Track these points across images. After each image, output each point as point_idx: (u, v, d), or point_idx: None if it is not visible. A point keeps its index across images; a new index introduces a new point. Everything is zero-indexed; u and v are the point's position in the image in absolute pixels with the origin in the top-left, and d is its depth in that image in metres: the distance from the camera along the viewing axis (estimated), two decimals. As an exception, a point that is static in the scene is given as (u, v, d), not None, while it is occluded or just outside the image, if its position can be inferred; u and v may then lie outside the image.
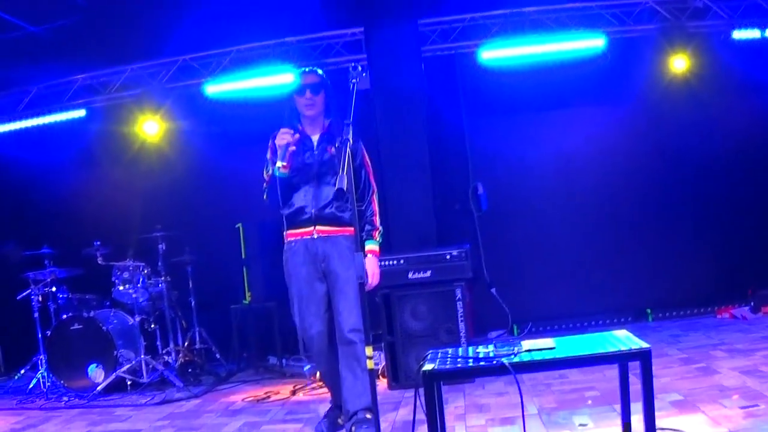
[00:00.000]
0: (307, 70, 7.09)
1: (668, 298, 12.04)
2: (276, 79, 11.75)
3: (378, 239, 7.00)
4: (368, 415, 6.64)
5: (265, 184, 6.98)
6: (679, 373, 7.93)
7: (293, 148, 6.72)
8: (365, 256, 6.65)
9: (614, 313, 12.03)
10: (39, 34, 11.79)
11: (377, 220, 7.02)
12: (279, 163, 6.63)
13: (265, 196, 7.02)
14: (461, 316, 8.79)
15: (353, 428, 6.66)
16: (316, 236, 6.86)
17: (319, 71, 7.06)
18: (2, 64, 12.21)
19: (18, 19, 11.31)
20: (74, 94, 12.82)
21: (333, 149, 6.82)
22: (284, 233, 7.05)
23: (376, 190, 7.10)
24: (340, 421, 7.12)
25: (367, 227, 6.95)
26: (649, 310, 11.99)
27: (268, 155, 6.88)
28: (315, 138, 7.01)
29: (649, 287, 12.12)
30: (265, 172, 6.92)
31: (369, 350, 5.65)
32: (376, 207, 7.05)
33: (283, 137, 6.66)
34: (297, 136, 6.78)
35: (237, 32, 12.00)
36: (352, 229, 6.31)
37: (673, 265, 12.10)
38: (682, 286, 12.06)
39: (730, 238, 12.00)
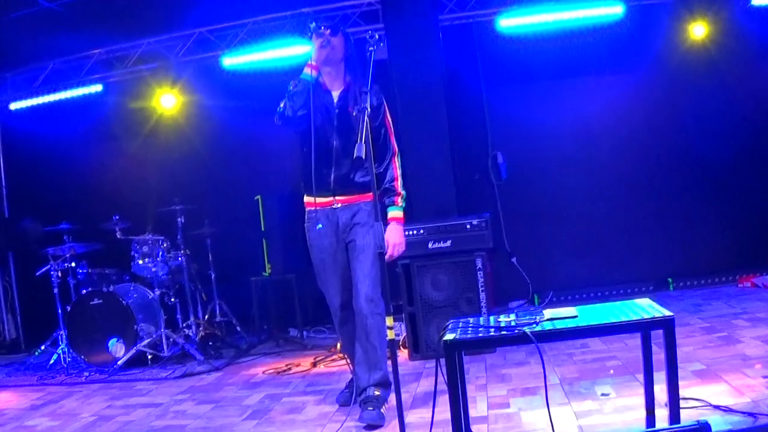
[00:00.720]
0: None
1: (689, 267, 11.95)
2: (293, 50, 11.67)
3: (401, 204, 6.78)
4: (377, 392, 6.58)
5: (282, 104, 6.67)
6: (701, 342, 7.88)
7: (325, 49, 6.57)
8: (387, 224, 6.61)
9: (635, 282, 11.94)
10: (54, 9, 11.73)
11: (398, 184, 6.76)
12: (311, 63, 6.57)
13: (280, 110, 6.67)
14: (482, 286, 8.75)
15: (361, 406, 6.57)
16: (337, 206, 6.74)
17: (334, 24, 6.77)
18: (18, 40, 12.20)
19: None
20: (91, 69, 12.80)
21: (355, 111, 6.45)
22: (304, 200, 6.92)
23: (398, 153, 6.86)
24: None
25: (389, 193, 6.75)
26: (670, 279, 11.90)
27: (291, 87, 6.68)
28: (335, 94, 6.80)
29: (670, 256, 12.04)
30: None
31: (390, 320, 5.59)
32: (397, 171, 6.79)
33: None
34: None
35: (253, 4, 11.93)
36: (372, 194, 6.27)
37: (694, 234, 12.02)
38: (703, 254, 11.97)
39: (752, 207, 11.89)
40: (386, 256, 6.34)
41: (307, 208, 6.87)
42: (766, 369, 6.51)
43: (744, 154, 11.81)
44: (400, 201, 6.76)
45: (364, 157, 5.54)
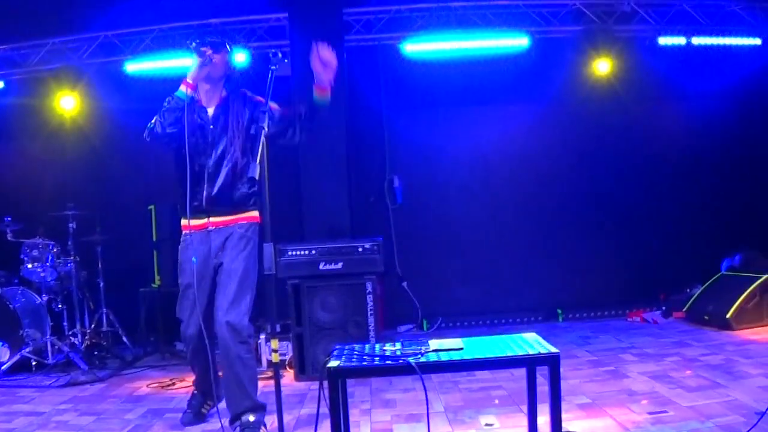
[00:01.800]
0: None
1: (580, 299, 12.19)
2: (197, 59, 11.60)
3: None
4: (251, 417, 6.50)
5: (154, 120, 6.49)
6: (588, 376, 8.05)
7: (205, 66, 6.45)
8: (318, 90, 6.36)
9: (525, 311, 12.13)
10: (-43, 2, 11.59)
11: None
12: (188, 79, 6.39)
13: (150, 126, 6.50)
14: (371, 310, 8.83)
15: None
16: (211, 228, 6.63)
17: (220, 39, 6.66)
18: None
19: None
20: (-8, 65, 12.64)
21: (228, 126, 6.51)
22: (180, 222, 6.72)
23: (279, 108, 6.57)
24: (204, 409, 7.10)
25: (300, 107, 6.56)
26: (560, 311, 12.10)
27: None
28: (210, 111, 6.66)
29: (561, 287, 12.27)
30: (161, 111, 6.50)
31: (275, 343, 5.63)
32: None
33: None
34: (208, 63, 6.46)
35: (161, 12, 11.86)
36: (250, 214, 6.34)
37: (586, 267, 12.26)
38: (594, 287, 12.23)
39: (644, 243, 12.20)
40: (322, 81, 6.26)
41: (183, 230, 6.69)
42: (651, 405, 6.67)
43: (639, 192, 12.13)
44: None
45: (257, 178, 5.51)
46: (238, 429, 6.52)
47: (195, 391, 7.13)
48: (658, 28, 11.75)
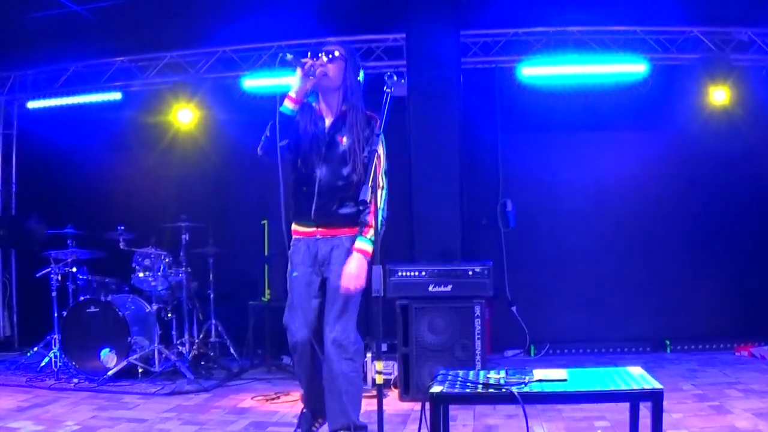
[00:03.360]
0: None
1: (688, 331, 11.93)
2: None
3: (369, 236, 6.26)
4: None
5: (265, 134, 6.39)
6: (692, 410, 7.84)
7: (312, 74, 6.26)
8: (351, 254, 6.28)
9: (633, 341, 11.90)
10: (81, 12, 11.76)
11: (373, 217, 6.16)
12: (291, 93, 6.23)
13: (262, 141, 6.41)
14: (478, 334, 8.73)
15: None
16: (318, 237, 6.52)
17: (340, 47, 6.52)
18: (42, 39, 12.22)
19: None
20: (111, 76, 12.89)
21: (344, 140, 6.39)
22: (291, 226, 6.68)
23: (382, 187, 6.24)
24: (314, 428, 6.93)
25: (361, 224, 6.33)
26: (668, 341, 11.84)
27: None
28: (328, 122, 6.52)
29: (670, 318, 12.00)
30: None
31: (380, 365, 5.55)
32: (377, 204, 6.09)
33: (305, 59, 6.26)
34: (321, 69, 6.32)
35: (279, 28, 11.94)
36: (359, 229, 6.25)
37: (696, 298, 12.00)
38: (703, 319, 11.95)
39: (756, 276, 11.89)
40: (341, 289, 6.18)
41: (293, 236, 6.66)
42: (753, 443, 6.51)
43: (755, 224, 11.86)
44: (369, 233, 6.27)
45: (369, 201, 5.48)
46: None
47: (304, 409, 7.02)
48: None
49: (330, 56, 6.38)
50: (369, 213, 6.15)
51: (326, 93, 6.52)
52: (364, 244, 6.26)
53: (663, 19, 11.50)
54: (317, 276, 6.54)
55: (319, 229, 6.49)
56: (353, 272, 6.19)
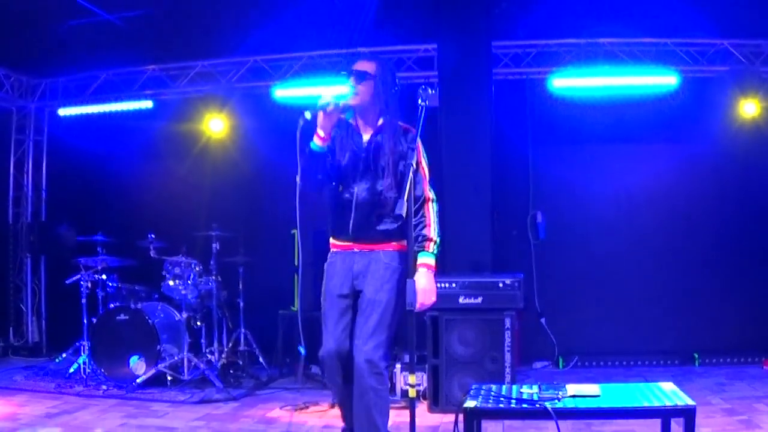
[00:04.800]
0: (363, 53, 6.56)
1: (717, 344, 11.84)
2: (344, 89, 11.65)
3: (432, 250, 6.23)
4: None
5: (298, 173, 6.29)
6: (721, 425, 7.79)
7: (334, 114, 6.14)
8: (416, 270, 6.16)
9: (662, 354, 11.85)
10: (113, 21, 11.82)
11: (431, 230, 6.23)
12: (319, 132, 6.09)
13: (298, 181, 6.28)
14: (508, 346, 8.69)
15: None
16: (355, 251, 6.39)
17: (371, 62, 6.45)
18: (75, 47, 12.30)
19: (93, 5, 11.33)
20: (143, 84, 12.95)
21: (381, 155, 6.26)
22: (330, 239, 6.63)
23: (432, 199, 6.33)
24: None
25: (420, 239, 6.24)
26: (696, 355, 11.77)
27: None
28: (366, 137, 6.41)
29: (699, 331, 11.92)
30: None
31: (412, 378, 5.54)
32: (430, 216, 6.26)
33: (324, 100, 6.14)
34: (341, 104, 6.18)
35: (310, 38, 11.99)
36: (397, 243, 6.20)
37: (725, 311, 11.90)
38: (732, 332, 11.85)
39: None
40: (417, 306, 5.99)
41: (331, 248, 6.57)
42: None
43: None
44: (431, 247, 6.23)
45: (404, 215, 5.47)
46: None
47: (345, 427, 6.96)
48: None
49: (358, 78, 6.33)
50: (425, 227, 6.20)
51: (360, 112, 6.44)
52: (428, 258, 6.22)
53: (693, 31, 11.47)
54: (351, 289, 6.44)
55: (356, 244, 6.40)
56: (427, 287, 6.14)
